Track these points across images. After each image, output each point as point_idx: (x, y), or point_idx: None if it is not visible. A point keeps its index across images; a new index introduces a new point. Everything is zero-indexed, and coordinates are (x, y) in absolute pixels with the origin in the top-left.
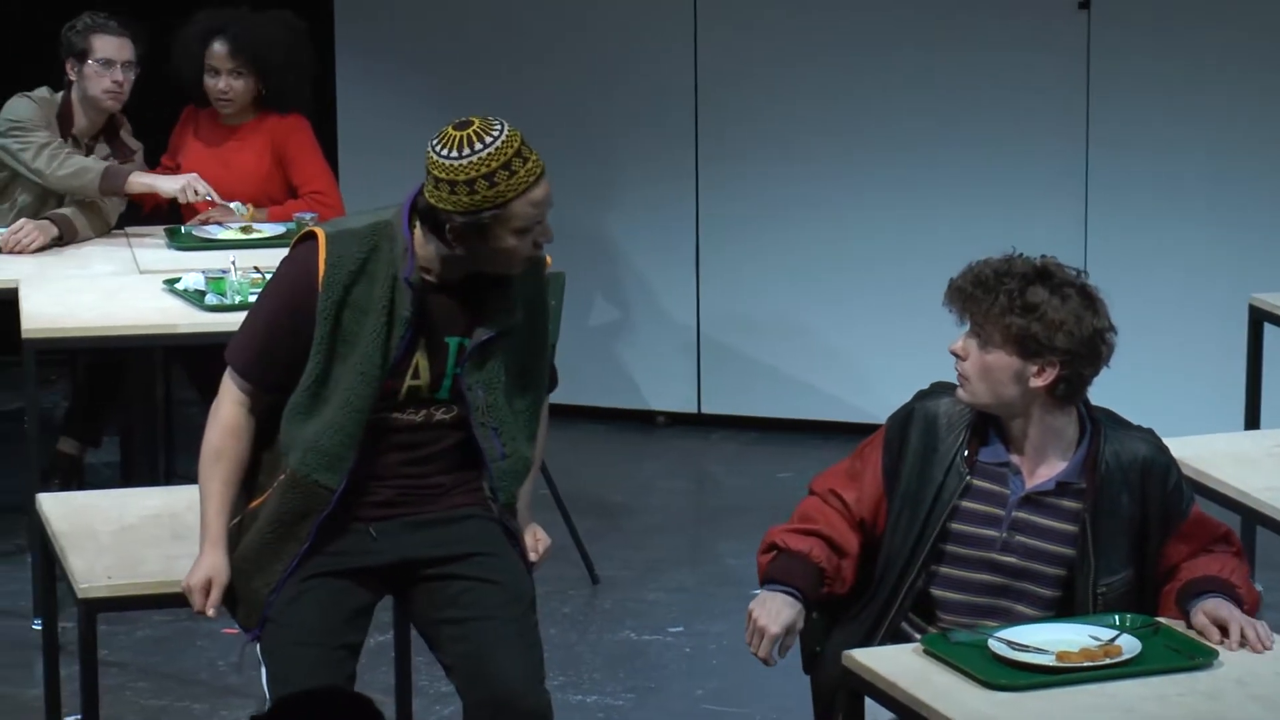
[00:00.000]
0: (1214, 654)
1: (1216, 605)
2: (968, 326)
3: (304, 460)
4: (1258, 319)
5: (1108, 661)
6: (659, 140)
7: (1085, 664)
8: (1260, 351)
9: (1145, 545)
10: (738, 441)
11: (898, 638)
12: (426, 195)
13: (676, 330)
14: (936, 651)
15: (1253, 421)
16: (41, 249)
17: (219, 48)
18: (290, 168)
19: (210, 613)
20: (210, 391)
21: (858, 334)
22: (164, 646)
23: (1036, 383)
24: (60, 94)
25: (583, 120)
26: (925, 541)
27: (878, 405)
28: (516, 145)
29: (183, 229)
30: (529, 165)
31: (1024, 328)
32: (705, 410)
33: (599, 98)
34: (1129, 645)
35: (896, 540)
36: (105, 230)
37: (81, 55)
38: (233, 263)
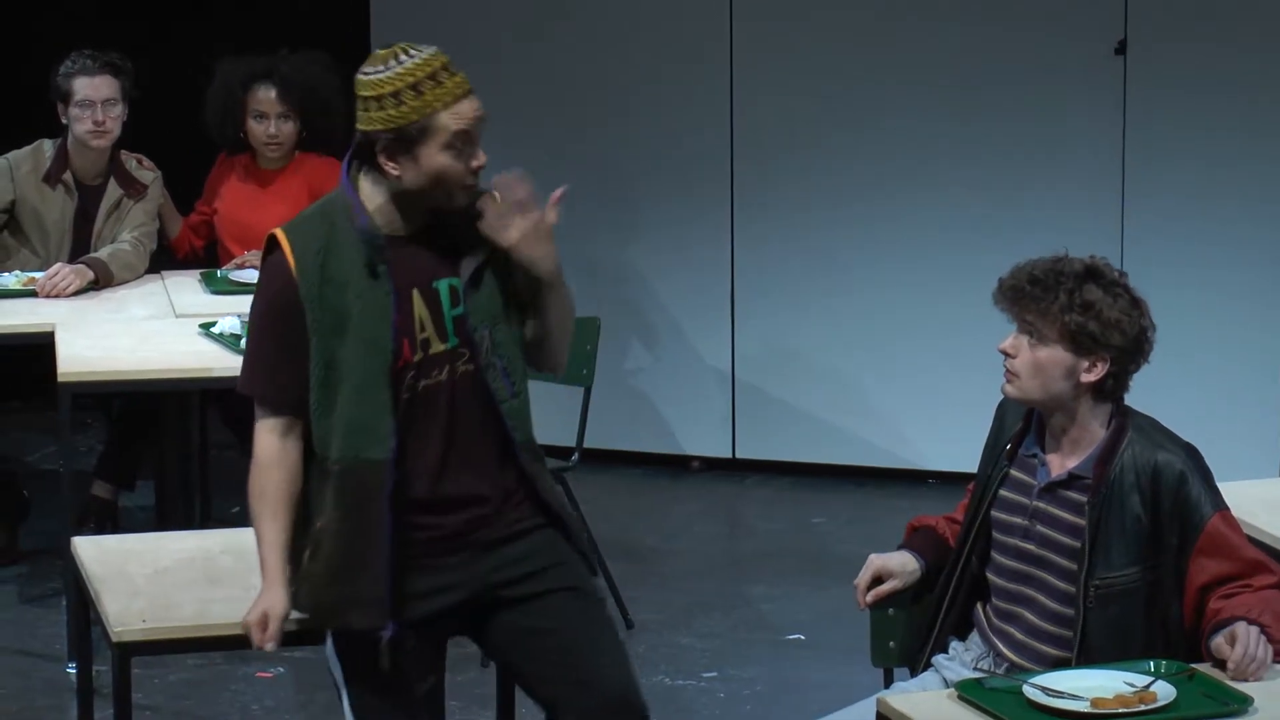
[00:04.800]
0: (1249, 700)
1: (1235, 628)
2: (1015, 326)
3: (344, 445)
4: None
5: (1143, 708)
6: (693, 183)
7: (1120, 710)
8: None
9: (1159, 551)
10: (772, 486)
11: (963, 621)
12: (357, 125)
13: (711, 374)
14: (971, 697)
15: None
16: (77, 293)
17: (266, 92)
18: None
19: (269, 647)
20: (245, 435)
21: (894, 379)
22: (198, 690)
23: (1087, 378)
24: (58, 140)
25: (617, 162)
26: (972, 526)
27: (913, 451)
28: (443, 60)
29: (219, 273)
30: (456, 79)
31: (1081, 325)
32: (740, 455)
33: (633, 139)
34: (1164, 692)
35: (963, 526)
36: (140, 274)
37: (65, 98)
38: None
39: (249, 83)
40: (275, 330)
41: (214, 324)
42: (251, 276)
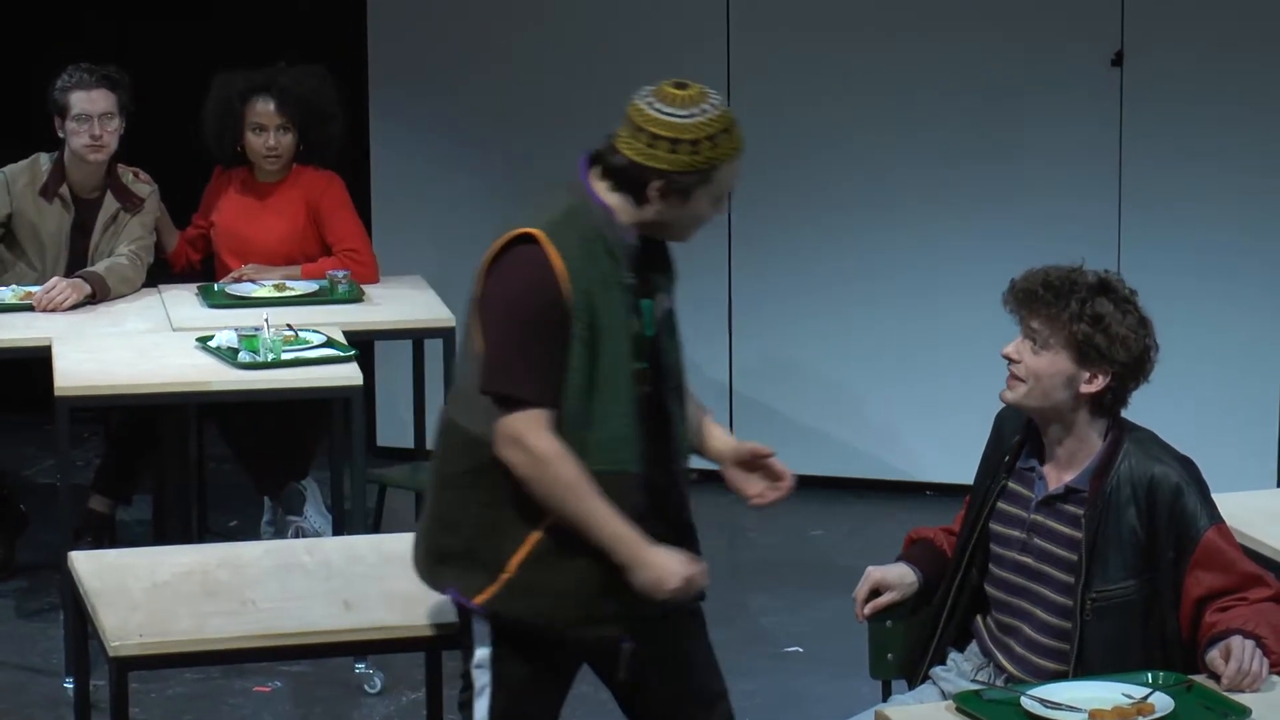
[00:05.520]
0: (1247, 712)
1: (1230, 641)
2: (1019, 331)
3: (605, 457)
4: None
5: None
6: None
7: None
8: None
9: (1156, 563)
10: None
11: (962, 633)
12: (632, 154)
13: (709, 385)
14: (969, 709)
15: None
16: (74, 307)
17: (265, 104)
18: (324, 225)
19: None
20: (242, 448)
21: (893, 391)
22: (195, 705)
23: (1086, 389)
24: (55, 154)
25: None
26: (970, 539)
27: (911, 463)
28: (732, 112)
29: (216, 286)
30: (740, 134)
31: (1089, 335)
32: None
33: None
34: (1162, 703)
35: (960, 538)
36: (137, 288)
37: (63, 112)
38: (266, 320)
39: (248, 95)
40: (542, 331)
41: (211, 337)
42: (248, 290)
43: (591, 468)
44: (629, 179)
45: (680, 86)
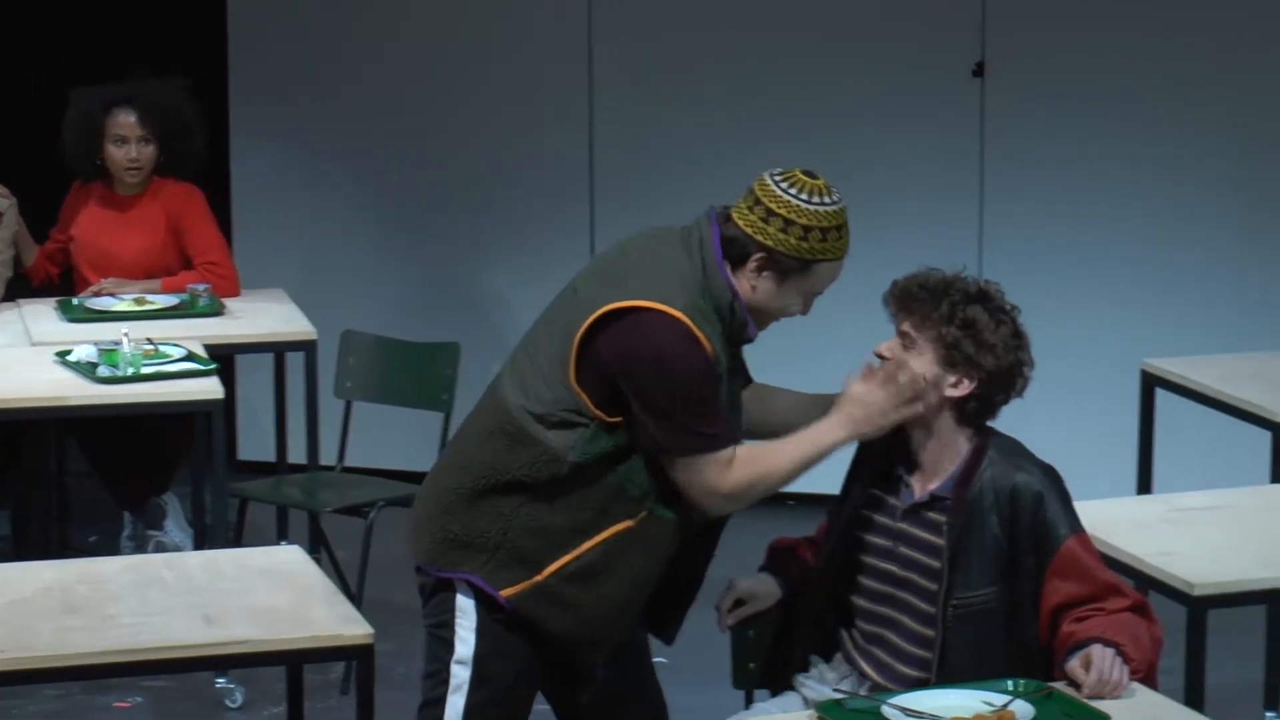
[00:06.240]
0: (1106, 718)
1: (1090, 650)
2: (894, 330)
3: (674, 508)
4: (1150, 384)
5: None
6: (553, 206)
7: None
8: (1152, 416)
9: (1016, 571)
10: None
11: (826, 643)
12: (744, 225)
13: None
14: (830, 718)
15: (1145, 486)
16: None
17: (126, 116)
18: (185, 237)
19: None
20: (103, 463)
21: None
22: None
23: (951, 393)
24: None
25: (478, 186)
26: (836, 547)
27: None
28: (847, 216)
29: (75, 300)
30: (848, 238)
31: (957, 340)
32: None
33: (494, 163)
34: (1022, 711)
35: (825, 546)
36: None
37: None
38: (125, 334)
39: (109, 107)
40: (716, 388)
41: (70, 352)
42: (107, 304)
43: (660, 515)
44: (735, 247)
45: (810, 175)
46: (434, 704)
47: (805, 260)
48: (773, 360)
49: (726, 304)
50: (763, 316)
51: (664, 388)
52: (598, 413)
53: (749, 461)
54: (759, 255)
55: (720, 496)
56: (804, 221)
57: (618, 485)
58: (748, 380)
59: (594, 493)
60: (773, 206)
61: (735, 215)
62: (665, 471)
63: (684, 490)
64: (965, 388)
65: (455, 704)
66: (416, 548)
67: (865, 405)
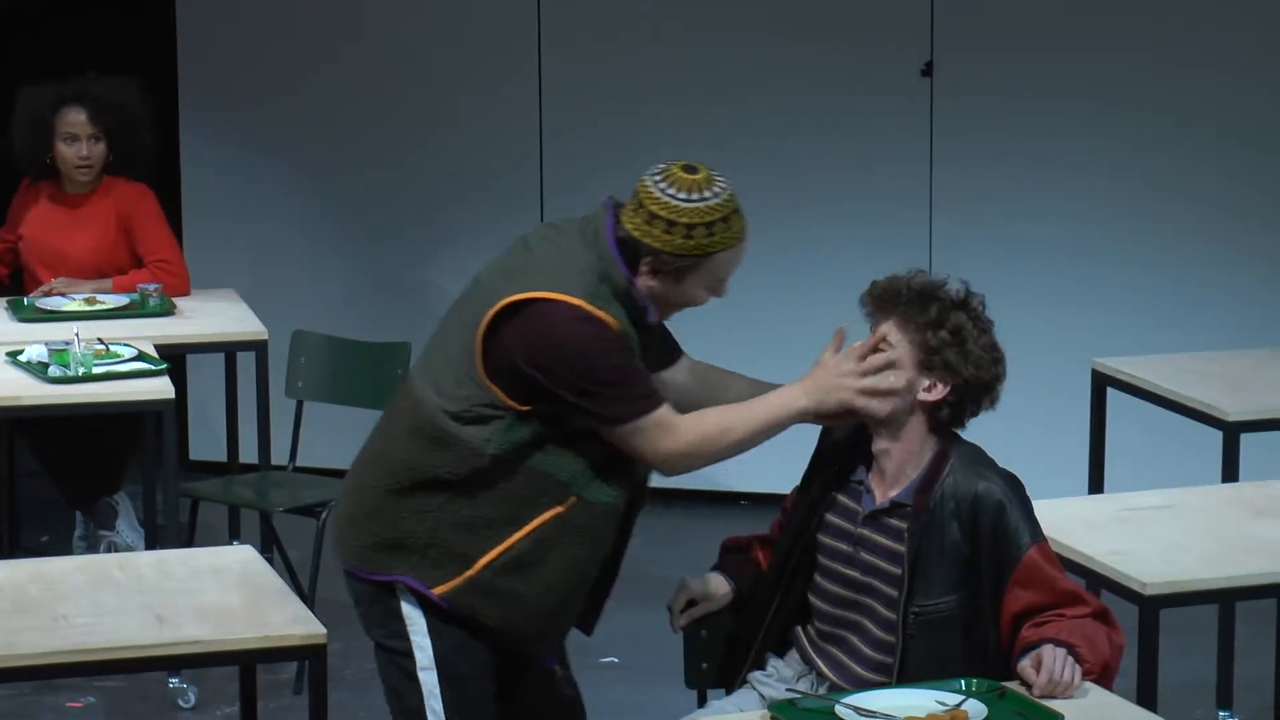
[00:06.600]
0: (1059, 718)
1: (1041, 650)
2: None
3: (606, 489)
4: (1100, 383)
5: None
6: (504, 207)
7: None
8: (1104, 415)
9: (977, 579)
10: None
11: (781, 641)
12: (632, 229)
13: None
14: (783, 717)
15: (1096, 485)
16: None
17: (77, 114)
18: (136, 236)
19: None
20: (55, 463)
21: None
22: None
23: (924, 397)
24: None
25: (429, 186)
26: (793, 548)
27: (725, 473)
28: (736, 202)
29: (25, 300)
30: (742, 223)
31: (940, 345)
32: None
33: (445, 163)
34: (975, 710)
35: (781, 545)
36: None
37: None
38: (76, 334)
39: (59, 105)
40: (632, 356)
41: (21, 352)
42: (58, 304)
43: (605, 499)
44: (627, 248)
45: (690, 170)
46: (413, 714)
47: (696, 257)
48: (720, 361)
49: (624, 290)
50: (668, 307)
51: (581, 369)
52: (510, 403)
53: (707, 417)
54: (648, 259)
55: (679, 455)
56: (686, 220)
57: (541, 473)
58: (670, 359)
59: (518, 483)
60: (654, 209)
61: (624, 218)
62: (588, 454)
63: (642, 458)
64: (939, 392)
65: (434, 709)
66: (345, 552)
67: (833, 374)
